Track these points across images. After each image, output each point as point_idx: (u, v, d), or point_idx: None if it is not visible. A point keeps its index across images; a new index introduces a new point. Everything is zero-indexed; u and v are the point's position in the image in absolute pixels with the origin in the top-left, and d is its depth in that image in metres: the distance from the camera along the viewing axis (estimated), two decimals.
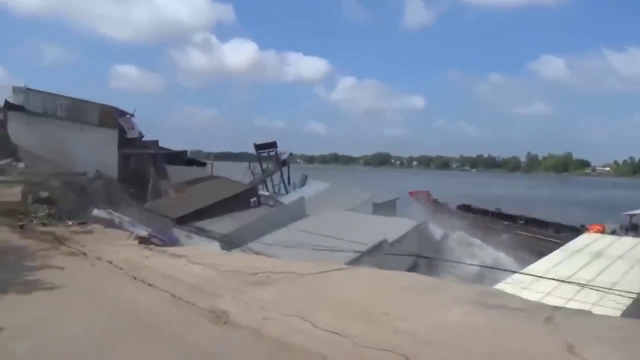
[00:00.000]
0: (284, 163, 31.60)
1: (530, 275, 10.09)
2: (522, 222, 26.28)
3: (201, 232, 15.37)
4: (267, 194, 22.93)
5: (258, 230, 15.23)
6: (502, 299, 4.41)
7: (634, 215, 21.86)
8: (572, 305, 7.89)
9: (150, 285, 5.16)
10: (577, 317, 4.02)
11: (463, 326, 3.71)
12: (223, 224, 16.03)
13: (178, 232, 15.22)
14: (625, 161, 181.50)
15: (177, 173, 23.08)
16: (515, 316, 3.99)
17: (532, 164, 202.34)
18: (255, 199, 18.93)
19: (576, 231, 21.42)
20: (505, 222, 25.29)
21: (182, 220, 16.39)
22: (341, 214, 17.65)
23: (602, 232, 19.37)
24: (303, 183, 30.19)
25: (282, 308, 4.14)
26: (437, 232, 18.79)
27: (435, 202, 30.32)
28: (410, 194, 31.13)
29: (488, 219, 25.94)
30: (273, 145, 31.50)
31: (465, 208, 29.43)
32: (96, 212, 12.38)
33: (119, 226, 11.10)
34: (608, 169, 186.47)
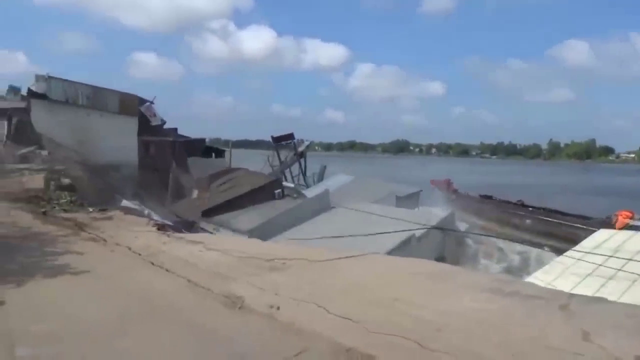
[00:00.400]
0: (302, 155, 31.83)
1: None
2: (544, 214, 25.77)
3: (227, 226, 15.46)
4: (292, 185, 23.00)
5: (284, 224, 15.28)
6: (517, 286, 4.37)
7: None
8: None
9: (167, 270, 5.25)
10: (593, 305, 3.96)
11: (476, 313, 3.69)
12: (249, 218, 16.11)
13: (205, 226, 15.34)
14: None
15: (198, 166, 23.27)
16: (530, 303, 3.95)
17: (554, 151, 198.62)
18: (279, 190, 19.02)
19: (603, 223, 20.92)
20: (528, 211, 24.70)
21: (208, 214, 16.54)
22: (366, 207, 17.58)
23: (632, 218, 18.88)
24: (322, 173, 30.35)
25: (296, 294, 4.18)
26: (461, 225, 18.64)
27: (457, 192, 29.97)
28: (432, 182, 30.91)
29: (511, 209, 25.45)
30: (290, 137, 31.89)
31: (487, 198, 29.00)
32: (125, 202, 12.54)
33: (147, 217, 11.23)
34: (633, 155, 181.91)
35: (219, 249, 5.91)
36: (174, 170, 21.49)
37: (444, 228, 15.16)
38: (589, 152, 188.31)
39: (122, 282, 4.99)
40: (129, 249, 6.29)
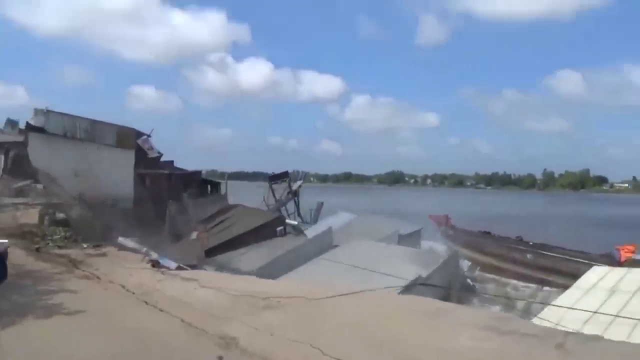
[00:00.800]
0: (295, 193, 32.19)
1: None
2: (545, 251, 25.53)
3: (229, 267, 15.32)
4: (295, 223, 22.85)
5: (289, 263, 15.09)
6: (514, 325, 4.36)
7: None
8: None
9: (161, 310, 5.21)
10: (589, 343, 3.95)
11: (473, 352, 3.67)
12: (251, 257, 15.89)
13: (206, 268, 15.17)
14: None
15: (196, 203, 23.21)
16: (526, 342, 3.94)
17: (548, 181, 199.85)
18: (281, 227, 18.95)
19: (605, 257, 20.71)
20: (529, 246, 24.35)
21: (210, 253, 16.39)
22: (371, 245, 17.45)
23: (634, 252, 18.72)
24: (319, 209, 30.25)
25: (291, 334, 4.14)
26: (464, 263, 18.60)
27: (455, 228, 29.86)
28: (430, 217, 30.90)
29: (511, 246, 25.18)
30: (285, 175, 32.28)
31: (485, 234, 28.81)
32: (121, 240, 12.43)
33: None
34: (626, 185, 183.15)
35: (214, 286, 5.88)
36: (170, 209, 21.38)
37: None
38: (583, 182, 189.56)
39: (116, 322, 4.94)
40: (123, 287, 6.25)
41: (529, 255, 21.71)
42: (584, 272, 13.06)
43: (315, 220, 28.64)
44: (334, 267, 14.36)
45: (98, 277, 6.83)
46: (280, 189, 31.86)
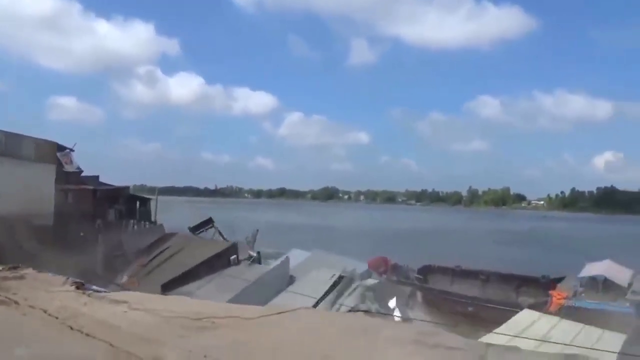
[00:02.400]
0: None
1: None
2: (483, 277, 26.10)
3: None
4: (253, 254, 22.07)
5: (256, 296, 14.71)
6: (439, 338, 4.60)
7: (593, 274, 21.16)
8: None
9: (87, 335, 4.97)
10: (508, 354, 4.26)
11: None
12: (213, 289, 15.44)
13: None
14: (557, 195, 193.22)
15: (132, 234, 22.27)
16: (452, 355, 4.18)
17: (473, 198, 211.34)
18: (234, 256, 18.58)
19: (540, 285, 21.39)
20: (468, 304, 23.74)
21: (167, 287, 15.72)
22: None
23: (565, 298, 19.39)
24: (255, 236, 28.94)
25: (225, 356, 4.12)
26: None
27: (395, 268, 29.17)
28: (369, 264, 28.76)
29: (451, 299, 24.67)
30: (209, 222, 29.55)
31: (426, 270, 28.60)
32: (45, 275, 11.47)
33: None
34: (542, 202, 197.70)
35: (145, 308, 5.70)
36: (101, 244, 20.31)
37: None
38: (504, 199, 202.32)
39: (38, 349, 4.65)
40: (45, 311, 5.88)
41: (470, 308, 21.73)
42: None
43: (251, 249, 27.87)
44: (305, 300, 14.22)
45: (16, 302, 6.38)
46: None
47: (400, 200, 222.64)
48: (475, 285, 25.71)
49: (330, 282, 16.07)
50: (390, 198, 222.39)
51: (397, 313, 17.71)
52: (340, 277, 15.90)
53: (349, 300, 14.44)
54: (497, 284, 25.23)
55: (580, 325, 12.40)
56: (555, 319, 13.40)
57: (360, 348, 4.30)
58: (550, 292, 20.84)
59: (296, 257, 23.44)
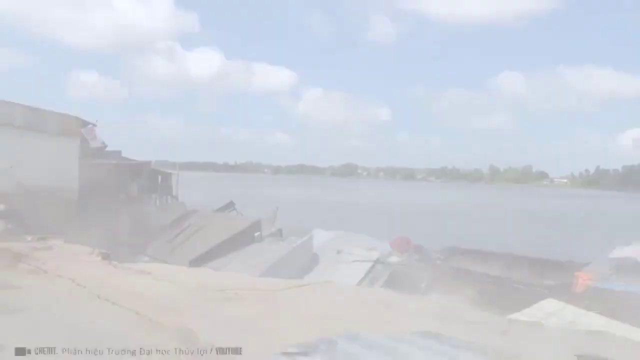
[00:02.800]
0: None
1: None
2: (509, 260, 25.59)
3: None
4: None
5: (285, 271, 14.84)
6: (463, 313, 4.59)
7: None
8: None
9: (114, 303, 5.08)
10: (531, 329, 4.23)
11: None
12: (239, 265, 15.57)
13: None
14: (581, 173, 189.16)
15: (152, 213, 22.56)
16: (474, 329, 4.16)
17: (494, 176, 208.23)
18: (259, 233, 18.65)
19: (565, 269, 20.99)
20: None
21: (196, 263, 15.97)
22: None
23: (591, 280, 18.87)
24: (274, 216, 28.77)
25: (249, 325, 4.17)
26: None
27: (417, 249, 28.64)
28: (391, 244, 28.11)
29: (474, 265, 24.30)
30: (230, 205, 29.88)
31: (450, 251, 27.97)
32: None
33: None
34: (565, 180, 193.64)
35: (170, 279, 5.80)
36: (125, 216, 20.64)
37: None
38: (526, 177, 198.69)
39: (64, 319, 4.76)
40: (73, 281, 6.03)
41: (494, 288, 21.29)
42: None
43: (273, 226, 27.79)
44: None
45: (45, 272, 6.56)
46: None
47: (420, 177, 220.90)
48: (499, 267, 25.25)
49: (365, 270, 16.21)
50: (410, 175, 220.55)
51: (421, 291, 17.76)
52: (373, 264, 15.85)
53: (377, 280, 14.51)
54: (522, 267, 24.67)
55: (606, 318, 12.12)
56: (582, 311, 13.01)
57: (382, 320, 4.31)
58: (576, 273, 20.31)
59: (320, 237, 23.42)
